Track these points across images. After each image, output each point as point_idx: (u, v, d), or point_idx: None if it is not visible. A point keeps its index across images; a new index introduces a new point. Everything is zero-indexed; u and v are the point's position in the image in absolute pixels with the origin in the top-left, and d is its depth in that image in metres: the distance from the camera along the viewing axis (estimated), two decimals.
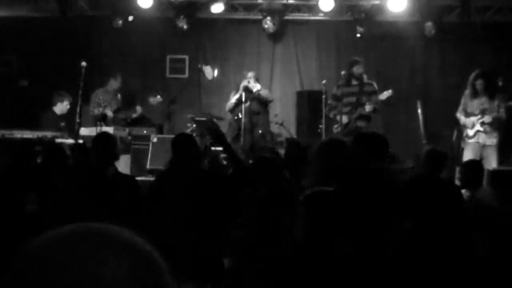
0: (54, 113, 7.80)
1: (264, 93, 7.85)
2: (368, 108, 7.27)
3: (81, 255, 0.65)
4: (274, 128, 8.36)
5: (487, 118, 6.87)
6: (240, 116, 7.48)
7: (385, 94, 7.32)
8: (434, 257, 2.10)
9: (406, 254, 2.16)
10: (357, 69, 7.47)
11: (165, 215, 3.75)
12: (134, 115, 8.21)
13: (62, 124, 7.68)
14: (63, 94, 7.81)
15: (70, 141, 6.79)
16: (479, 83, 6.95)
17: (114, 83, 8.17)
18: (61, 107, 7.82)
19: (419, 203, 2.23)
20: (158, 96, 8.23)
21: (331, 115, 7.59)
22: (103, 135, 4.65)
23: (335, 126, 7.48)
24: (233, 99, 7.73)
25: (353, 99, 7.41)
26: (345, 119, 7.35)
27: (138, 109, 8.23)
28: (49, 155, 4.13)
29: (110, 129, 7.47)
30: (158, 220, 3.70)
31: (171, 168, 4.08)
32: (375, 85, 7.52)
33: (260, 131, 7.63)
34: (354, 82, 7.47)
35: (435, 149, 5.11)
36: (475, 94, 7.02)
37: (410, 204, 2.27)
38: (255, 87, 7.71)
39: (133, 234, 0.71)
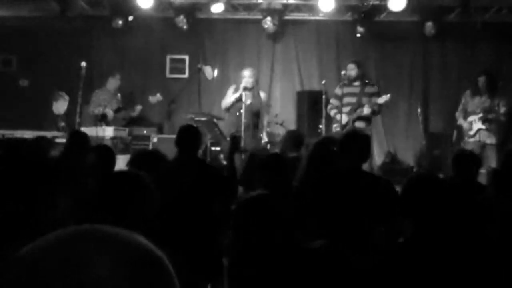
0: (53, 112, 7.81)
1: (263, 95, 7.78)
2: (366, 110, 7.29)
3: (81, 256, 0.65)
4: (274, 128, 8.36)
5: (489, 115, 6.90)
6: (239, 113, 7.48)
7: (383, 98, 7.31)
8: (435, 257, 2.10)
9: (407, 254, 2.16)
10: (348, 70, 7.50)
11: (166, 212, 3.74)
12: (134, 114, 8.21)
13: (62, 124, 7.68)
14: (59, 93, 7.80)
15: None
16: (481, 80, 7.00)
17: (113, 82, 8.18)
18: (56, 106, 7.80)
19: (419, 203, 2.22)
20: (158, 95, 8.24)
21: (331, 114, 7.61)
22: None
23: (335, 125, 7.50)
24: (232, 97, 7.71)
25: (353, 99, 7.44)
26: (345, 118, 7.38)
27: (138, 108, 8.23)
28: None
29: (110, 129, 7.49)
30: (158, 217, 3.69)
31: (176, 163, 4.07)
32: (376, 86, 7.53)
33: (261, 134, 7.64)
34: (356, 82, 7.49)
35: (465, 152, 5.04)
36: (476, 91, 7.05)
37: (410, 204, 2.26)
38: (248, 99, 7.58)
39: (134, 234, 0.70)
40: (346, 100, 7.46)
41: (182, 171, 3.95)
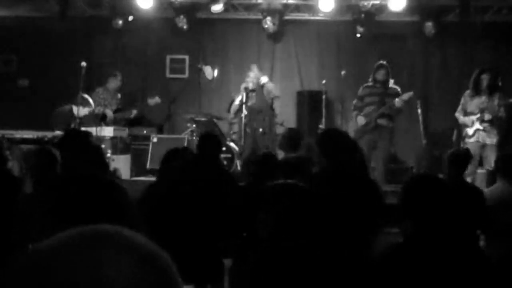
0: (71, 111, 7.55)
1: (270, 86, 7.85)
2: (398, 103, 7.25)
3: (86, 256, 0.66)
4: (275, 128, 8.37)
5: (486, 116, 6.88)
6: (242, 115, 7.50)
7: (407, 95, 7.34)
8: (435, 257, 2.10)
9: (406, 255, 2.16)
10: (380, 75, 7.48)
11: (170, 215, 3.74)
12: (130, 116, 8.18)
13: (72, 125, 7.59)
14: (84, 97, 7.47)
15: None
16: (484, 78, 6.90)
17: (113, 82, 8.15)
18: (82, 111, 7.53)
19: (419, 204, 2.22)
20: (157, 97, 8.22)
21: (353, 115, 7.65)
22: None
23: (351, 125, 7.55)
24: (237, 100, 7.74)
25: (376, 98, 7.41)
26: (361, 120, 7.36)
27: (134, 112, 8.20)
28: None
29: (110, 129, 7.48)
30: (160, 220, 3.69)
31: (191, 166, 4.08)
32: (398, 89, 7.55)
33: (260, 130, 7.63)
34: (379, 85, 7.48)
35: (458, 150, 5.06)
36: (477, 91, 6.96)
37: (410, 204, 2.26)
38: (262, 80, 7.71)
39: (139, 234, 0.71)
40: (369, 99, 7.42)
41: (196, 173, 3.96)
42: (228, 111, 8.03)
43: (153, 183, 4.21)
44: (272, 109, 7.94)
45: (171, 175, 3.91)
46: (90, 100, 7.45)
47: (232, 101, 7.94)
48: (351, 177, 3.50)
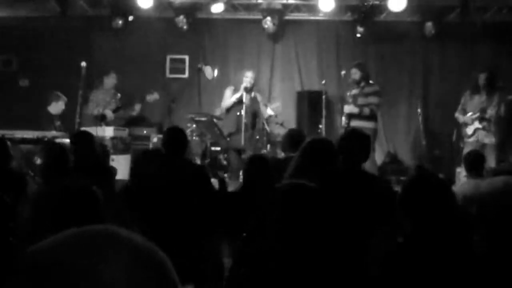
0: (48, 112, 7.76)
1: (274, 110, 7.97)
2: (346, 109, 7.35)
3: (82, 256, 0.66)
4: (274, 128, 8.37)
5: (486, 114, 6.90)
6: (240, 114, 7.50)
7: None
8: (433, 259, 2.10)
9: (406, 254, 2.16)
10: (352, 74, 7.51)
11: (164, 213, 3.74)
12: (133, 113, 8.18)
13: (58, 123, 7.67)
14: (58, 94, 7.79)
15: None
16: (482, 77, 6.96)
17: (108, 82, 8.16)
18: (56, 107, 7.77)
19: (419, 203, 2.22)
20: (155, 94, 8.21)
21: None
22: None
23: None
24: (233, 98, 7.73)
25: (350, 99, 7.48)
26: (343, 121, 7.43)
27: (137, 107, 8.20)
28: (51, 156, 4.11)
29: (110, 129, 7.49)
30: (157, 218, 3.70)
31: (163, 164, 4.07)
32: (376, 87, 7.51)
33: (257, 136, 7.67)
34: (362, 84, 7.50)
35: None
36: (476, 90, 7.01)
37: (410, 204, 2.26)
38: (270, 111, 7.79)
39: (136, 234, 0.71)
40: (350, 101, 7.52)
41: (169, 172, 3.96)
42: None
43: (126, 184, 4.23)
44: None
45: (143, 176, 3.92)
46: (61, 95, 7.60)
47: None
48: (367, 178, 3.50)
